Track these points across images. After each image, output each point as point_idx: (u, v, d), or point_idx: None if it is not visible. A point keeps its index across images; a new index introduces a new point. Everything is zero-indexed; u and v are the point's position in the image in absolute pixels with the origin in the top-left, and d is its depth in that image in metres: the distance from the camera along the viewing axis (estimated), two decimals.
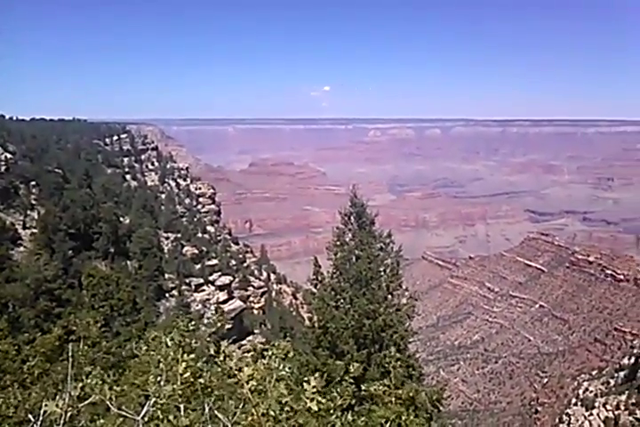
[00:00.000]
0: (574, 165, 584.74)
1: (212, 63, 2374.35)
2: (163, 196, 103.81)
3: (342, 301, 16.12)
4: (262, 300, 73.77)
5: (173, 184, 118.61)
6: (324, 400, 5.45)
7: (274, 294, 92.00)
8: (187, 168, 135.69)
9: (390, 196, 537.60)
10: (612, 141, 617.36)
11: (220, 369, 4.91)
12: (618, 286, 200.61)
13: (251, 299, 70.80)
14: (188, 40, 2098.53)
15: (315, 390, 4.76)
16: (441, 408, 14.91)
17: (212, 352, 4.97)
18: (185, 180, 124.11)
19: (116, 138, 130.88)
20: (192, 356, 4.86)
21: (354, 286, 16.09)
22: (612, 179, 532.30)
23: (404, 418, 8.16)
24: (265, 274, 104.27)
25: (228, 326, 51.69)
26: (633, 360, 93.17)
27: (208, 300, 56.88)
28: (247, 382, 4.67)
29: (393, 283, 16.52)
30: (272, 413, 4.52)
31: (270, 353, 5.14)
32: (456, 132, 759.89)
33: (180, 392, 4.68)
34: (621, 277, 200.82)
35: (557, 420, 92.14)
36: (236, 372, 4.75)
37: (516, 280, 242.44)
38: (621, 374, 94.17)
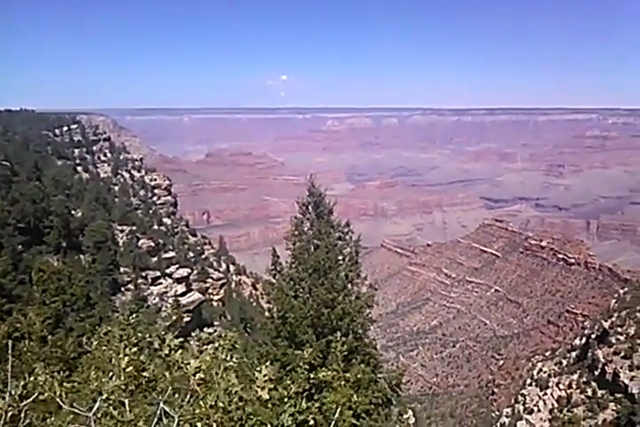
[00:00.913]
0: (527, 153, 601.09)
1: (166, 52, 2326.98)
2: (116, 188, 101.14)
3: (301, 290, 16.07)
4: (222, 291, 73.05)
5: (127, 176, 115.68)
6: (276, 389, 5.43)
7: (233, 285, 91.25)
8: (141, 159, 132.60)
9: (349, 185, 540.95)
10: (562, 129, 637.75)
11: (165, 362, 4.81)
12: (569, 270, 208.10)
13: (210, 291, 70.02)
14: (141, 28, 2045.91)
15: (266, 378, 4.71)
16: (400, 393, 15.16)
17: (156, 346, 4.85)
18: (139, 171, 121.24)
19: (66, 129, 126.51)
20: (134, 349, 4.73)
21: (312, 276, 16.03)
22: (563, 166, 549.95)
23: (353, 400, 8.27)
24: (224, 265, 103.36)
25: (186, 319, 51.12)
26: (584, 341, 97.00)
27: (165, 293, 55.94)
28: (194, 375, 4.59)
29: (352, 272, 16.53)
30: (221, 404, 4.46)
31: (218, 344, 5.07)
32: (413, 122, 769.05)
33: (123, 387, 4.55)
34: (572, 260, 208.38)
35: (513, 400, 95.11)
36: (183, 364, 4.65)
37: (472, 266, 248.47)
38: (573, 354, 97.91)
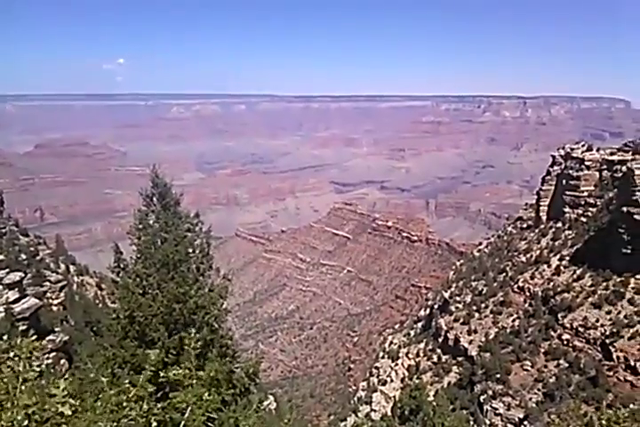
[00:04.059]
0: (371, 138, 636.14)
1: None
2: None
3: (149, 287, 15.24)
4: (62, 294, 67.21)
5: None
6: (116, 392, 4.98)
7: (75, 287, 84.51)
8: None
9: (199, 174, 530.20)
10: (402, 115, 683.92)
11: None
12: (413, 247, 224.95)
13: (48, 295, 64.07)
14: None
15: (65, 393, 4.31)
16: (258, 381, 15.10)
17: None
18: None
19: None
20: None
21: (161, 271, 15.26)
22: (404, 149, 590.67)
23: (204, 399, 8.04)
24: (63, 266, 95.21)
25: (22, 327, 46.31)
26: (428, 311, 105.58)
27: None
28: None
29: (203, 264, 16.02)
30: (17, 425, 4.00)
31: (12, 354, 4.52)
32: (262, 108, 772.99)
33: None
34: (415, 238, 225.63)
35: (368, 374, 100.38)
36: None
37: (326, 249, 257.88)
38: (419, 324, 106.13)
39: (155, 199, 15.81)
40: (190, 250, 15.78)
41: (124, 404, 5.58)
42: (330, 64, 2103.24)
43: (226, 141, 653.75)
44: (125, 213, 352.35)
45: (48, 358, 36.99)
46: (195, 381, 8.32)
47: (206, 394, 8.04)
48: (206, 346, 14.41)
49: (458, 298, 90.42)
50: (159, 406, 6.99)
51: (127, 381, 7.52)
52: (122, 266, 15.46)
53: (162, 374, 8.96)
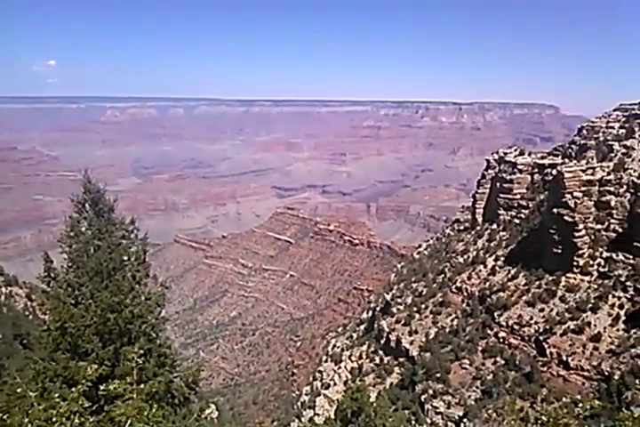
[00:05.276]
0: (312, 143, 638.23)
1: None
2: None
3: (82, 296, 14.69)
4: None
5: None
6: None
7: (3, 298, 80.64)
8: None
9: (135, 179, 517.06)
10: (342, 120, 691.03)
11: None
12: (354, 250, 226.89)
13: None
14: None
15: None
16: (198, 389, 14.81)
17: None
18: None
19: None
20: None
21: (94, 280, 14.77)
22: (345, 154, 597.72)
23: (145, 413, 7.83)
24: None
25: None
26: (370, 314, 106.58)
27: None
28: None
29: (139, 272, 15.64)
30: None
31: None
32: (200, 112, 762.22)
33: None
34: (357, 241, 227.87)
35: (311, 378, 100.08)
36: None
37: (268, 254, 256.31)
38: (362, 327, 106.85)
39: (87, 205, 15.27)
40: (125, 258, 15.35)
41: (54, 419, 5.31)
42: (270, 68, 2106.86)
43: (163, 146, 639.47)
44: (56, 220, 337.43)
45: None
46: (135, 395, 8.10)
47: (147, 408, 7.84)
48: (144, 355, 13.99)
49: (399, 300, 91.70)
50: (92, 419, 6.74)
51: (57, 395, 7.17)
52: (52, 275, 14.85)
53: (102, 388, 8.66)
